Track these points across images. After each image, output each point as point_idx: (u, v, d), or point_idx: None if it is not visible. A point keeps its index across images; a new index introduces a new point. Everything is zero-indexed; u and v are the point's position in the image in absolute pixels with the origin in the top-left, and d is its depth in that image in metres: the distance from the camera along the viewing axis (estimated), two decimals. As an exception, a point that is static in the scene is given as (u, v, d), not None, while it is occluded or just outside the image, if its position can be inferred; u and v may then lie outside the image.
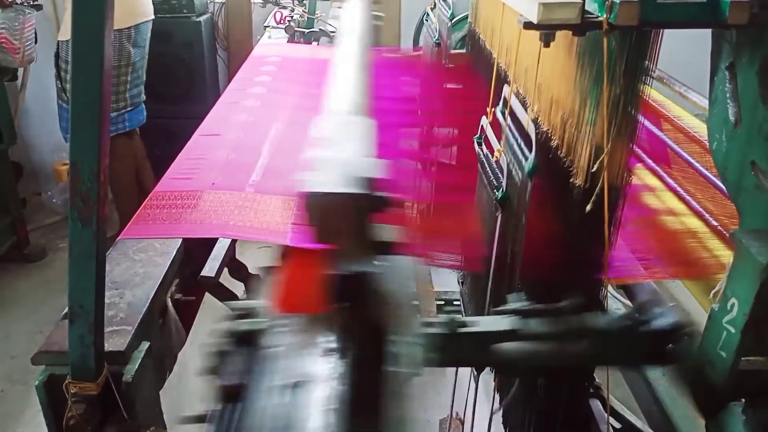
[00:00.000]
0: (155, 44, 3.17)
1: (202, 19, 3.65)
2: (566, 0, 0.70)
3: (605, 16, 0.68)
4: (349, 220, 0.59)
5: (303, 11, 3.23)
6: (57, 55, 2.90)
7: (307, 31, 3.16)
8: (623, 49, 0.77)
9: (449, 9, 1.81)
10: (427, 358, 0.73)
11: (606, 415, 1.05)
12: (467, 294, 1.40)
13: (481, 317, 0.99)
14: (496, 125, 1.15)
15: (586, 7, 0.70)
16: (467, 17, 1.92)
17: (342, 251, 0.60)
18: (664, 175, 1.35)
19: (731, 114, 0.75)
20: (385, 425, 0.57)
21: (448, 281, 1.76)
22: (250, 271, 1.49)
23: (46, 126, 3.90)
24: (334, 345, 0.62)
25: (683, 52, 1.79)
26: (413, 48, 3.17)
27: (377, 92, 1.85)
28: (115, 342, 0.90)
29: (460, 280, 1.48)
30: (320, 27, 3.28)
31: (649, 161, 1.39)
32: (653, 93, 1.52)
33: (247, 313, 0.76)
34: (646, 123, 1.21)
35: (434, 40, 2.15)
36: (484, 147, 1.20)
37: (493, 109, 1.21)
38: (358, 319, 0.62)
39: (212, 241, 1.19)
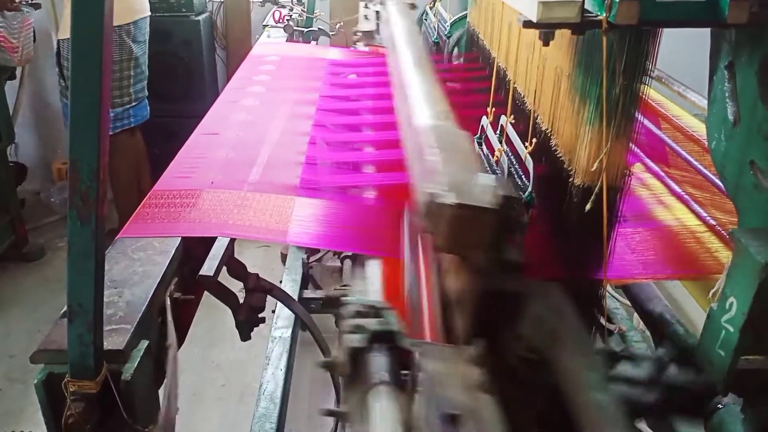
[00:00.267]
0: (154, 43, 3.18)
1: (200, 17, 3.65)
2: (566, -1, 0.70)
3: (605, 14, 0.68)
4: (488, 235, 0.58)
5: (302, 10, 3.23)
6: (58, 54, 2.91)
7: (306, 30, 3.16)
8: (622, 48, 0.78)
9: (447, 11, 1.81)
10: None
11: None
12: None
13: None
14: (495, 125, 1.15)
15: (586, 6, 0.70)
16: (466, 16, 1.92)
17: (478, 265, 0.58)
18: (663, 174, 1.35)
19: (730, 113, 0.75)
20: None
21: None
22: (248, 270, 1.48)
23: (44, 125, 3.90)
24: (484, 378, 0.57)
25: (682, 52, 1.79)
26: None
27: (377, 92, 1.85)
28: (114, 341, 0.90)
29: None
30: (319, 26, 3.28)
31: (648, 161, 1.39)
32: (652, 92, 1.53)
33: (370, 312, 0.71)
34: (646, 122, 1.21)
35: (432, 39, 2.14)
36: (484, 147, 1.20)
37: (493, 110, 1.22)
38: (513, 348, 0.59)
39: (211, 240, 1.18)
